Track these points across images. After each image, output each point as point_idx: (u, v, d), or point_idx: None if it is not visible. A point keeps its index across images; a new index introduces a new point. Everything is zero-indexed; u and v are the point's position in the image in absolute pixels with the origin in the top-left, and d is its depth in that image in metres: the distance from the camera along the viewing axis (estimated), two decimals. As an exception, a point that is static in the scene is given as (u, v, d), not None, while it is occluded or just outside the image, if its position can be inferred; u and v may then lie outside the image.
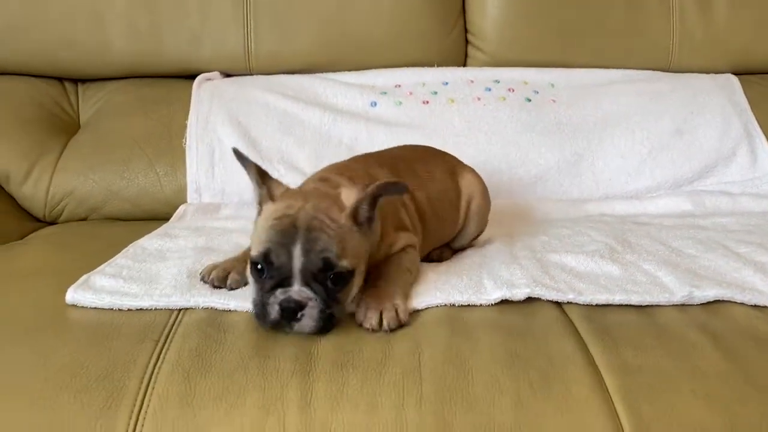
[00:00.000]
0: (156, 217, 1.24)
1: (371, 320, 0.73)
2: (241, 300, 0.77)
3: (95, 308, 0.76)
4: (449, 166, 1.02)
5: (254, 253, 0.73)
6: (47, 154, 1.28)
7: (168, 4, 1.36)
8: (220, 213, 1.18)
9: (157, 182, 1.26)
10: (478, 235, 1.05)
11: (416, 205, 0.92)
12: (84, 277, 0.81)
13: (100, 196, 1.25)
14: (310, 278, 0.71)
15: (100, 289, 0.78)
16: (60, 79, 1.43)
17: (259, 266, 0.72)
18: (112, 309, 0.76)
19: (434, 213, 0.95)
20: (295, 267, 0.71)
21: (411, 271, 0.84)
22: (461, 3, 1.46)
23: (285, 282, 0.71)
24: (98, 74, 1.42)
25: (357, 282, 0.76)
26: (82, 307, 0.77)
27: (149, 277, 0.83)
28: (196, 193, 1.23)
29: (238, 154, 0.79)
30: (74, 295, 0.77)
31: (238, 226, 1.06)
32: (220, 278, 0.81)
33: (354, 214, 0.76)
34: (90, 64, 1.39)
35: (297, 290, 0.71)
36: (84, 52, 1.38)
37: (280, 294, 0.71)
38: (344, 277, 0.73)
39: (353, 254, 0.74)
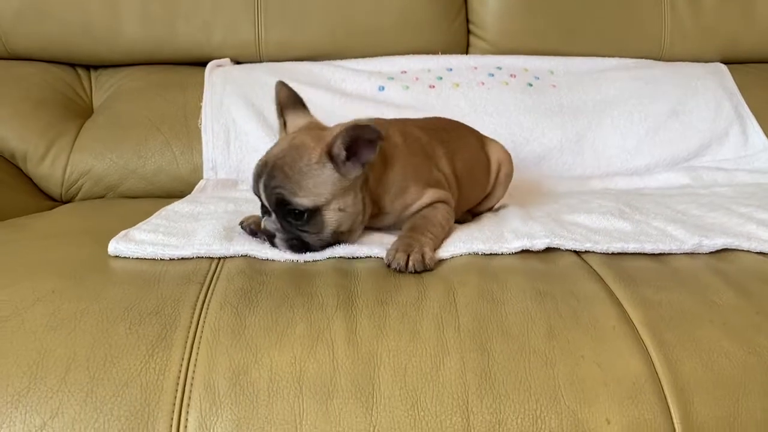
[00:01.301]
0: (172, 194, 1.27)
1: (398, 261, 0.77)
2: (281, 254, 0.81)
3: (137, 258, 0.79)
4: (477, 135, 1.08)
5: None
6: (64, 135, 1.30)
7: (181, -9, 1.40)
8: (238, 187, 1.21)
9: (174, 161, 1.29)
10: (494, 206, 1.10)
11: (453, 169, 0.96)
12: (123, 232, 0.84)
13: (116, 174, 1.28)
14: (277, 211, 0.80)
15: (141, 241, 0.81)
16: (73, 66, 1.46)
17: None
18: (153, 259, 0.79)
19: (470, 176, 1.00)
20: (264, 201, 0.81)
21: (443, 226, 0.88)
22: (464, -7, 1.52)
23: (266, 210, 0.81)
24: (111, 60, 1.45)
25: (330, 217, 0.81)
26: (125, 257, 0.80)
27: (186, 232, 0.86)
28: (212, 170, 1.26)
29: (279, 85, 0.84)
30: (116, 246, 0.80)
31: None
32: (258, 223, 0.86)
33: (328, 152, 0.80)
34: (103, 50, 1.42)
35: (272, 220, 0.81)
36: (98, 39, 1.41)
37: (264, 220, 0.82)
38: (304, 213, 0.79)
39: (316, 192, 0.79)
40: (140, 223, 0.89)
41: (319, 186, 0.80)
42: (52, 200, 1.28)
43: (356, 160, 0.81)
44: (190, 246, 0.80)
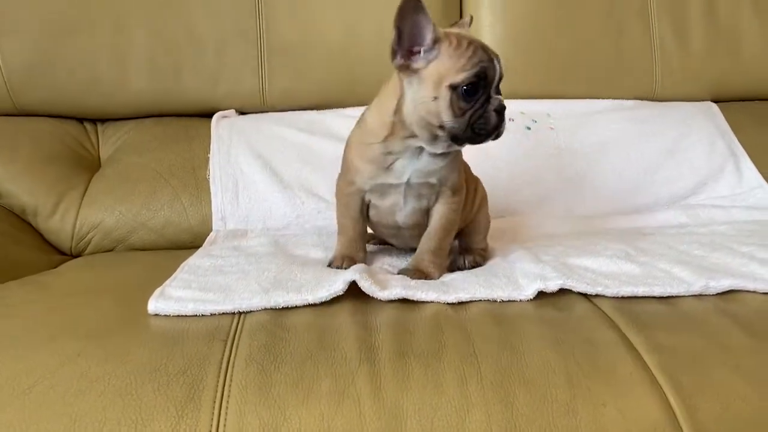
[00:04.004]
0: (181, 246, 1.28)
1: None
2: (314, 293, 0.83)
3: (165, 316, 0.81)
4: None
5: (466, 75, 0.84)
6: (73, 189, 1.32)
7: (187, 46, 1.44)
8: (248, 236, 1.22)
9: (183, 212, 1.31)
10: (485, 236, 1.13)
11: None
12: (158, 289, 0.85)
13: (126, 227, 1.29)
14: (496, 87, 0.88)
15: (179, 298, 0.82)
16: (80, 119, 1.48)
17: (472, 85, 0.84)
18: (179, 316, 0.80)
19: (467, 191, 1.04)
20: (496, 78, 0.87)
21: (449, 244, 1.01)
22: (460, 41, 1.57)
23: (489, 93, 0.86)
24: (118, 114, 1.48)
25: None
26: (155, 315, 0.81)
27: (220, 286, 0.87)
28: (222, 221, 1.28)
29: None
30: (156, 304, 0.81)
31: (270, 241, 1.13)
32: (352, 258, 0.97)
33: None
34: (111, 103, 1.45)
35: (498, 97, 0.88)
36: (105, 93, 1.44)
37: (494, 101, 0.86)
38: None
39: None
40: (169, 280, 0.90)
41: None
42: (62, 254, 1.29)
43: None
44: (231, 301, 0.81)
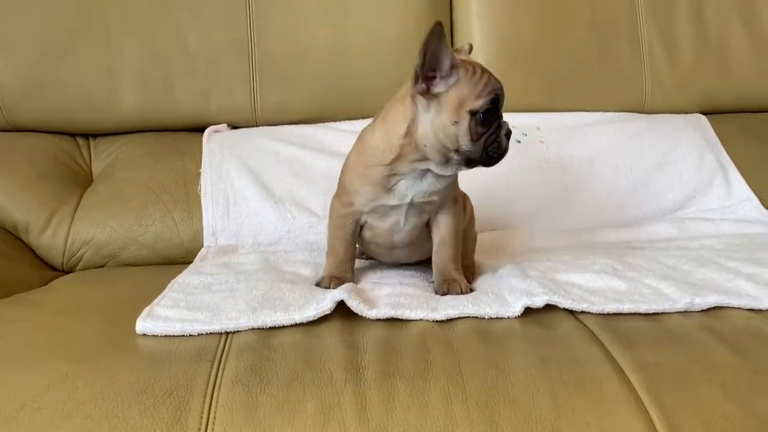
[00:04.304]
0: (172, 261, 1.29)
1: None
2: (301, 313, 0.83)
3: (154, 336, 0.81)
4: None
5: (484, 101, 0.88)
6: (65, 205, 1.33)
7: (179, 61, 1.45)
8: (239, 252, 1.23)
9: (174, 228, 1.31)
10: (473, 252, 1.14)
11: None
12: (146, 309, 0.86)
13: (117, 243, 1.29)
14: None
15: (167, 318, 0.83)
16: (72, 135, 1.49)
17: (489, 111, 0.89)
18: (166, 336, 0.80)
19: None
20: (501, 106, 0.92)
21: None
22: (451, 56, 1.58)
23: (496, 116, 0.91)
24: (110, 129, 1.48)
25: None
26: (153, 335, 0.81)
27: (208, 305, 0.87)
28: (213, 236, 1.29)
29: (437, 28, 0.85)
30: (144, 324, 0.81)
31: (260, 259, 1.14)
32: (341, 279, 0.97)
33: None
34: (103, 119, 1.46)
35: (506, 122, 0.93)
36: (97, 108, 1.45)
37: (504, 126, 0.91)
38: None
39: None
40: (158, 299, 0.90)
41: None
42: (54, 270, 1.30)
43: None
44: (218, 321, 0.82)
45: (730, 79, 1.59)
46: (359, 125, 1.48)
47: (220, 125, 1.49)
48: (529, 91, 1.58)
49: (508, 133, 0.92)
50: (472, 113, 0.88)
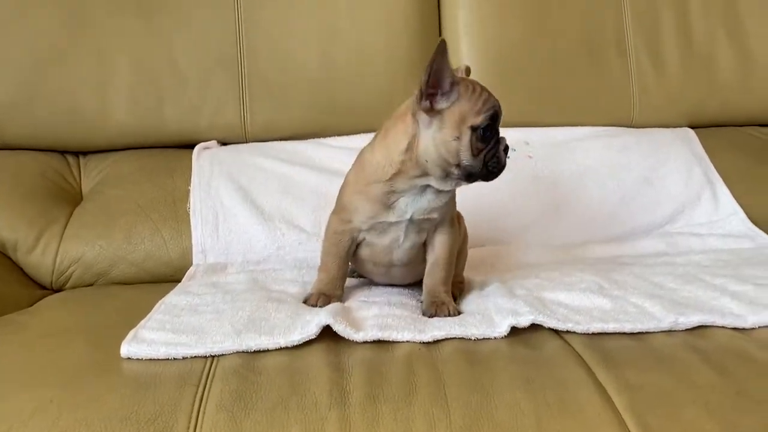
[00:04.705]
0: (161, 279, 1.29)
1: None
2: (286, 337, 0.83)
3: (139, 360, 0.81)
4: None
5: (485, 116, 0.90)
6: (54, 223, 1.32)
7: (169, 78, 1.45)
8: (227, 271, 1.23)
9: (163, 246, 1.31)
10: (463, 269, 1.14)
11: None
12: (132, 332, 0.86)
13: (106, 261, 1.29)
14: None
15: (152, 341, 0.83)
16: (62, 152, 1.49)
17: (489, 126, 0.91)
18: (165, 359, 0.80)
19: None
20: (499, 124, 0.93)
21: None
22: (440, 71, 1.59)
23: (496, 133, 0.93)
24: (100, 146, 1.48)
25: None
26: (137, 359, 0.81)
27: (194, 328, 0.87)
28: (202, 254, 1.29)
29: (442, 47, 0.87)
30: (129, 348, 0.81)
31: (248, 278, 1.14)
32: (328, 296, 0.98)
33: None
34: (92, 136, 1.46)
35: (504, 137, 0.94)
36: (87, 125, 1.45)
37: (502, 142, 0.93)
38: None
39: None
40: (144, 321, 0.90)
41: None
42: (43, 288, 1.29)
43: None
44: (202, 344, 0.82)
45: (717, 92, 1.60)
46: (349, 141, 1.51)
47: (210, 142, 1.49)
48: (517, 105, 1.58)
49: (506, 149, 0.94)
50: (473, 129, 0.90)
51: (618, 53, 1.60)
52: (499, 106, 0.93)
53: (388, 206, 0.96)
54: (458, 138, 0.90)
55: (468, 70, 1.01)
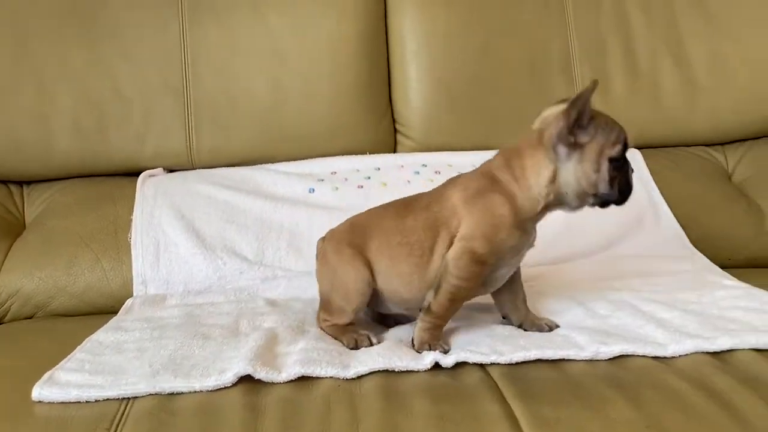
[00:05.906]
0: (102, 311, 1.27)
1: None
2: (201, 381, 0.82)
3: (51, 403, 0.79)
4: None
5: (620, 147, 0.95)
6: (-7, 256, 1.31)
7: (112, 105, 1.44)
8: (166, 303, 1.22)
9: (104, 277, 1.30)
10: None
11: None
12: (48, 374, 0.85)
13: (45, 293, 1.28)
14: None
15: (66, 383, 0.82)
16: (4, 182, 1.47)
17: (623, 156, 0.95)
18: (78, 402, 0.79)
19: None
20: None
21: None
22: (388, 95, 1.60)
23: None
24: (44, 175, 1.47)
25: None
26: (49, 402, 0.80)
27: (113, 368, 0.86)
28: (142, 285, 1.27)
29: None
30: (41, 392, 0.80)
31: (183, 313, 1.13)
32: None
33: None
34: (35, 166, 1.45)
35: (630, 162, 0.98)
36: (29, 155, 1.43)
37: (630, 167, 0.97)
38: None
39: None
40: (64, 361, 0.89)
41: None
42: (-21, 322, 1.27)
43: None
44: (116, 386, 0.81)
45: (661, 113, 1.62)
46: (297, 167, 1.52)
47: (156, 169, 1.48)
48: (467, 129, 1.60)
49: (632, 171, 0.98)
50: (611, 160, 0.94)
51: (565, 78, 1.61)
52: (626, 134, 0.97)
53: (526, 231, 1.01)
54: (597, 171, 0.94)
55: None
